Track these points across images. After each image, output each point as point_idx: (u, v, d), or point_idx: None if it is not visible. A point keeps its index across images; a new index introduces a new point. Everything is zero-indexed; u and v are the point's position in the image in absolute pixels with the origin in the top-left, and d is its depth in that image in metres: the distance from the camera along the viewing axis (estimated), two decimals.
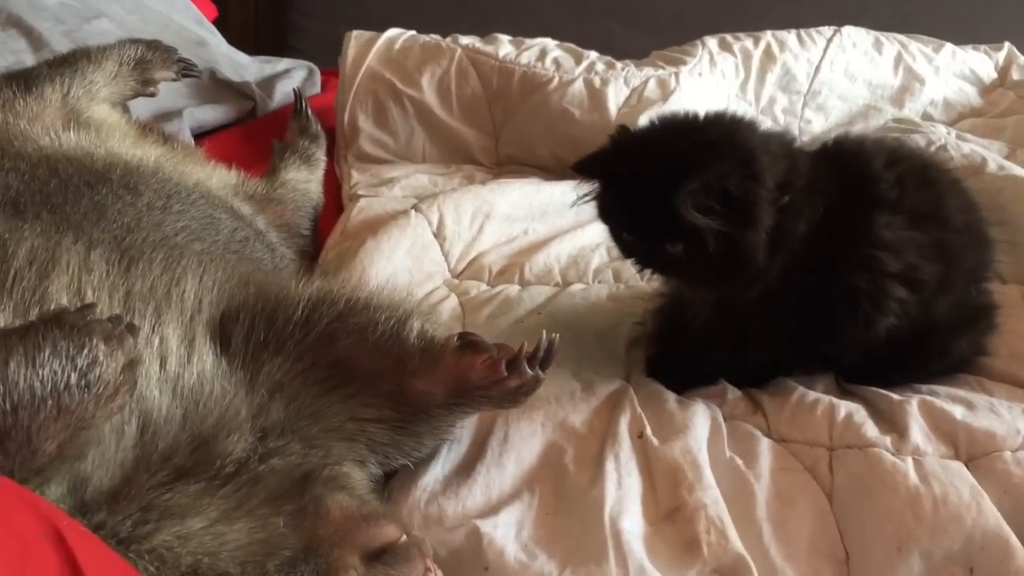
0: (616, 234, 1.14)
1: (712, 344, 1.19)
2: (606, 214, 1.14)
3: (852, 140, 1.20)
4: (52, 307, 0.89)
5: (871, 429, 1.07)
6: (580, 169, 1.12)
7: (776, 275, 1.07)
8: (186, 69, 1.66)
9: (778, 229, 1.03)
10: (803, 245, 1.06)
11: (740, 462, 1.06)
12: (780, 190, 1.04)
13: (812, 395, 1.15)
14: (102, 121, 1.47)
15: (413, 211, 1.56)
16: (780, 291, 1.09)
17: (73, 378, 0.77)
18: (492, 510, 0.99)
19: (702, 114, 1.11)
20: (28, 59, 1.75)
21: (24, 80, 1.41)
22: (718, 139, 1.05)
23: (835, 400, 1.13)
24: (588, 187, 1.14)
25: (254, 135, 1.95)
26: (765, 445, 1.09)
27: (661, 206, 1.00)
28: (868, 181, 1.11)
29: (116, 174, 1.24)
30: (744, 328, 1.15)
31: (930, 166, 1.21)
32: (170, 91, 1.78)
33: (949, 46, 2.25)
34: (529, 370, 1.00)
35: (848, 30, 2.17)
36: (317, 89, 2.24)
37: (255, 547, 0.82)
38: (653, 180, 1.02)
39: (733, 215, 1.01)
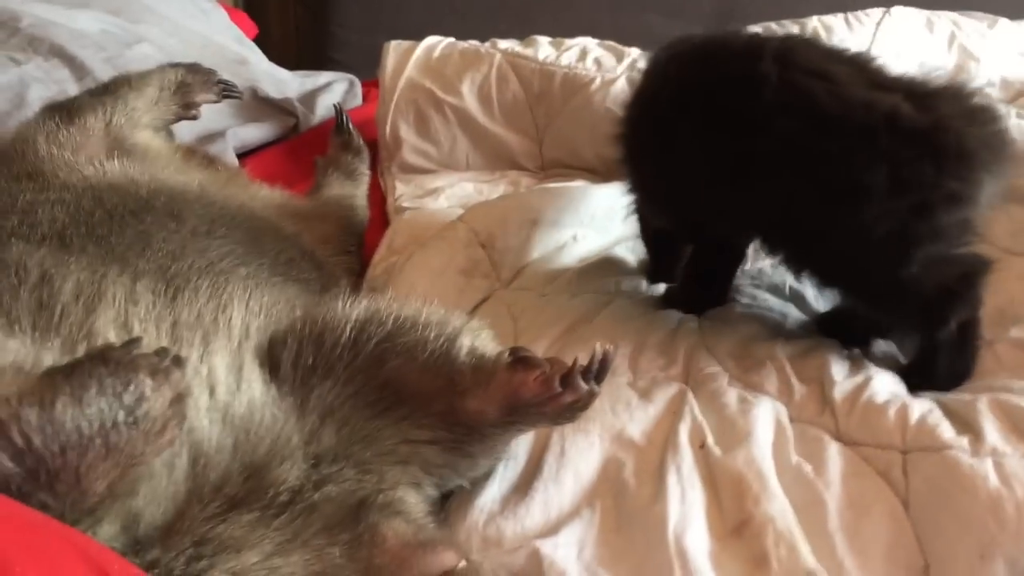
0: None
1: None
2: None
3: None
4: (99, 341, 0.88)
5: (947, 430, 1.03)
6: None
7: None
8: (227, 90, 1.66)
9: None
10: None
11: (808, 468, 1.02)
12: None
13: (883, 394, 1.11)
14: (146, 147, 1.47)
15: (460, 222, 1.54)
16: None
17: (121, 416, 0.76)
18: (552, 529, 0.96)
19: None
20: (72, 88, 1.77)
21: (67, 111, 1.41)
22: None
23: (907, 399, 1.09)
24: None
25: (297, 151, 1.95)
26: (834, 449, 1.05)
27: None
28: None
29: (160, 201, 1.23)
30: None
31: None
32: (213, 111, 1.79)
33: (1004, 21, 2.17)
34: (584, 384, 0.96)
35: (897, 10, 2.10)
36: (359, 101, 2.23)
37: None
38: None
39: None
